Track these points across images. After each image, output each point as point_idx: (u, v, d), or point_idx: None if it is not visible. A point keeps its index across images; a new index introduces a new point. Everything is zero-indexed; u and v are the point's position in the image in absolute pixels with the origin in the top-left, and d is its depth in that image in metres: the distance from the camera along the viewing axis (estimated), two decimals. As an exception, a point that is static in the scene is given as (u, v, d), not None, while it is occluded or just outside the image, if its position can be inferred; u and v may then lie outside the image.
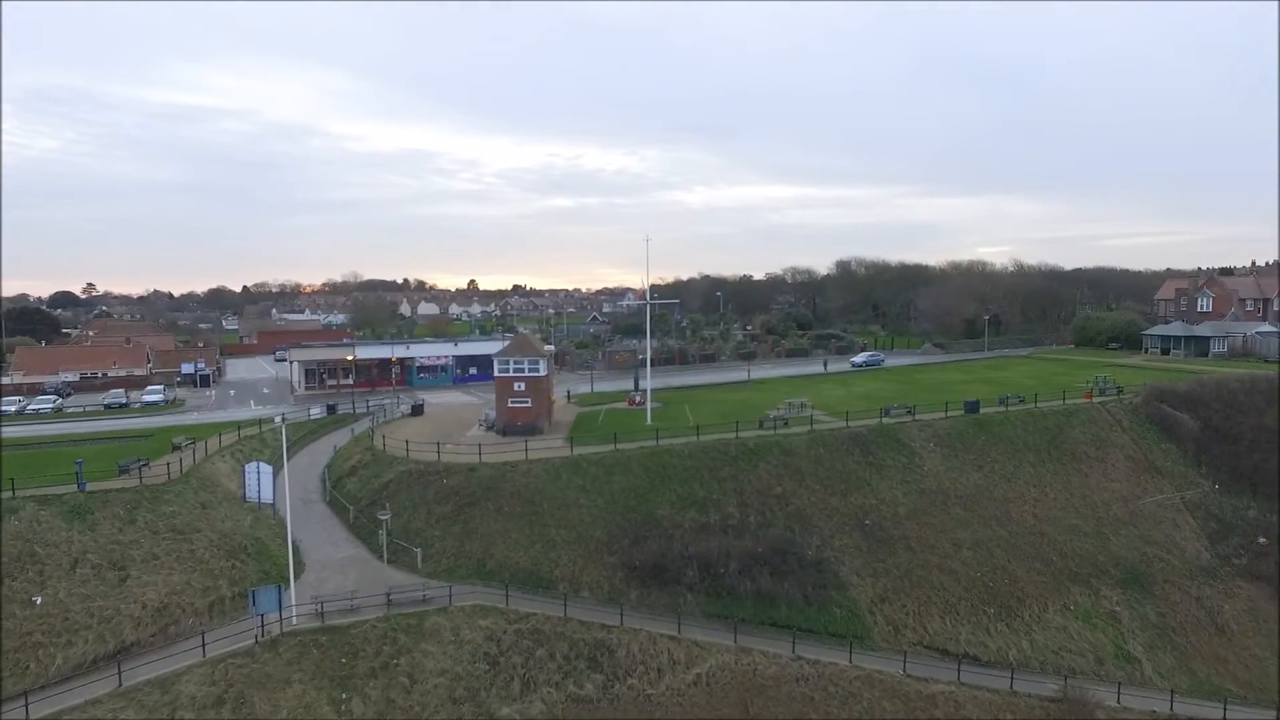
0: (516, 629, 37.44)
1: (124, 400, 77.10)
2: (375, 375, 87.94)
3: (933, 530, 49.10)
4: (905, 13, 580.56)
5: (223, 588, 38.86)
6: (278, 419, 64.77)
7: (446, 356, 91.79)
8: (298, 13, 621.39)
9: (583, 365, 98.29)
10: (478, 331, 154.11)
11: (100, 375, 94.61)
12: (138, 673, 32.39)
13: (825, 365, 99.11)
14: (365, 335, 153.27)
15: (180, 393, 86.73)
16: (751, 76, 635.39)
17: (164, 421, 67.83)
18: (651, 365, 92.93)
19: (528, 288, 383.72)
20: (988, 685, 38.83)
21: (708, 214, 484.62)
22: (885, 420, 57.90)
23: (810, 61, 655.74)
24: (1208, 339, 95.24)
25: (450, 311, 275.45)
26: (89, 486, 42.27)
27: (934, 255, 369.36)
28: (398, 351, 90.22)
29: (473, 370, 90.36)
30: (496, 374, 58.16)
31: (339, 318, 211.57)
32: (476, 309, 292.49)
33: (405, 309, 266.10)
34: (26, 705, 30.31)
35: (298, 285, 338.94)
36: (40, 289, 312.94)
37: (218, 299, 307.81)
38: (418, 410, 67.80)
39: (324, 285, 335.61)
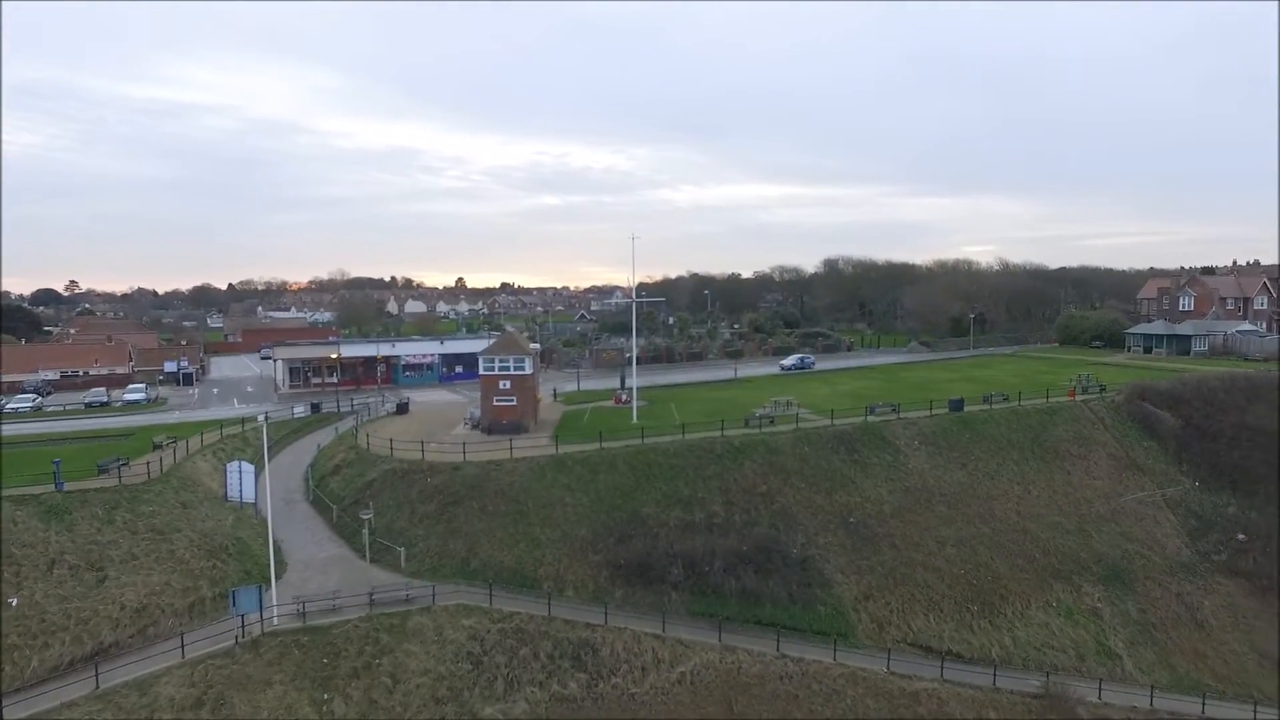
0: (500, 628, 37.29)
1: (105, 399, 76.29)
2: (360, 374, 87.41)
3: (917, 528, 49.30)
4: (892, 14, 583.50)
5: (203, 588, 38.47)
6: (260, 417, 64.50)
7: (432, 355, 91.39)
8: (283, 10, 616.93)
9: (569, 363, 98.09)
10: (464, 330, 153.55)
11: (81, 374, 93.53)
12: (116, 674, 32.03)
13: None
14: (351, 333, 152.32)
15: (163, 391, 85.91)
16: (742, 76, 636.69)
17: (145, 420, 67.14)
18: (638, 363, 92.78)
19: (516, 286, 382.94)
20: (970, 682, 39.05)
21: (697, 213, 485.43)
22: (870, 418, 58.08)
23: (799, 62, 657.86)
24: (1189, 338, 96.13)
25: (438, 309, 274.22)
26: (67, 486, 41.73)
27: (921, 254, 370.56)
28: (383, 350, 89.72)
29: (459, 369, 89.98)
30: (481, 372, 57.92)
31: (325, 315, 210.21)
32: (464, 307, 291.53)
33: (392, 307, 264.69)
34: (0, 708, 29.93)
35: (284, 283, 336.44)
36: (22, 286, 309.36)
37: (203, 297, 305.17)
38: (403, 409, 67.45)
39: (310, 283, 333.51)
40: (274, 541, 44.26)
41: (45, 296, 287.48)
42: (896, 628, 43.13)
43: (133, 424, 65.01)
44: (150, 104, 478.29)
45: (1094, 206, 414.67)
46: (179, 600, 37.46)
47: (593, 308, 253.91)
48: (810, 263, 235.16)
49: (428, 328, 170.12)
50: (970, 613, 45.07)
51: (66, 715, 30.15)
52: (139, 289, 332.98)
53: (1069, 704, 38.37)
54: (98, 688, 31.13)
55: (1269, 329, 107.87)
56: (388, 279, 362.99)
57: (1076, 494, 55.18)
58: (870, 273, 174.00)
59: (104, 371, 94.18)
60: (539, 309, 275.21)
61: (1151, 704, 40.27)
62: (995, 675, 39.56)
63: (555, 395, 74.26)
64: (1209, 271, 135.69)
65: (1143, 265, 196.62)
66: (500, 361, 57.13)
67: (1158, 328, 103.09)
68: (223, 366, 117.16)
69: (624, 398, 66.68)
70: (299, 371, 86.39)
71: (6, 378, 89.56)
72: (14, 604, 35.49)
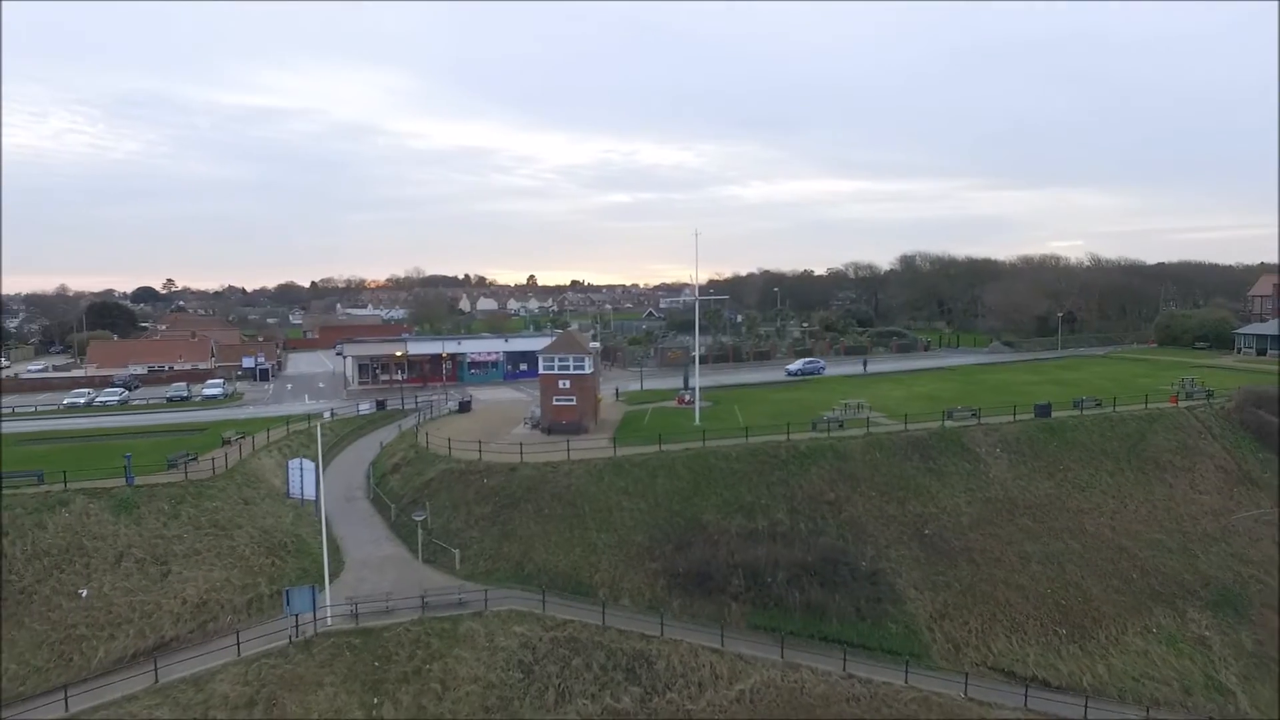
0: (552, 636, 36.14)
1: (185, 394, 79.14)
2: (427, 371, 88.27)
3: (998, 542, 45.92)
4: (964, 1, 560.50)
5: (261, 585, 38.70)
6: (326, 415, 65.75)
7: (497, 352, 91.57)
8: (358, 11, 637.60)
9: (635, 362, 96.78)
10: (532, 327, 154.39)
11: (167, 368, 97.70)
12: (174, 669, 32.28)
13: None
14: (424, 330, 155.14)
15: (240, 386, 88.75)
16: (810, 70, 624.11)
17: (220, 415, 69.13)
18: (703, 363, 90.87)
19: (585, 283, 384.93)
20: (1059, 714, 35.73)
21: (767, 208, 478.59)
22: (948, 423, 54.66)
23: (866, 53, 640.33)
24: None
25: (508, 307, 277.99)
26: (137, 480, 42.74)
27: (1001, 250, 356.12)
28: (449, 347, 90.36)
29: (523, 366, 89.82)
30: (541, 371, 57.09)
31: (399, 313, 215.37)
32: (535, 304, 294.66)
33: (465, 304, 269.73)
34: (66, 699, 30.45)
35: (362, 281, 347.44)
36: (125, 284, 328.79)
37: (286, 294, 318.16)
38: (465, 407, 67.40)
39: (388, 280, 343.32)
40: (333, 539, 44.50)
41: (144, 294, 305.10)
42: (975, 650, 40.05)
43: (208, 419, 66.98)
44: (239, 110, 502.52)
45: (1188, 197, 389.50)
46: (238, 596, 37.74)
47: (661, 305, 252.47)
48: (885, 259, 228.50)
49: (498, 325, 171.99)
50: (1058, 636, 41.53)
51: (126, 709, 30.43)
52: (229, 287, 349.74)
53: (1173, 744, 34.77)
54: (156, 681, 31.39)
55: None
56: (461, 277, 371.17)
57: (1180, 509, 50.52)
58: (949, 269, 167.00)
59: (188, 366, 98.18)
60: (607, 306, 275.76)
61: (1269, 748, 36.18)
62: (1087, 707, 36.16)
63: (618, 395, 73.03)
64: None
65: (1250, 260, 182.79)
66: (560, 360, 56.18)
67: (1273, 328, 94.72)
68: (299, 363, 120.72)
69: (687, 398, 64.89)
70: (367, 368, 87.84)
71: (101, 372, 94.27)
72: (84, 595, 36.38)
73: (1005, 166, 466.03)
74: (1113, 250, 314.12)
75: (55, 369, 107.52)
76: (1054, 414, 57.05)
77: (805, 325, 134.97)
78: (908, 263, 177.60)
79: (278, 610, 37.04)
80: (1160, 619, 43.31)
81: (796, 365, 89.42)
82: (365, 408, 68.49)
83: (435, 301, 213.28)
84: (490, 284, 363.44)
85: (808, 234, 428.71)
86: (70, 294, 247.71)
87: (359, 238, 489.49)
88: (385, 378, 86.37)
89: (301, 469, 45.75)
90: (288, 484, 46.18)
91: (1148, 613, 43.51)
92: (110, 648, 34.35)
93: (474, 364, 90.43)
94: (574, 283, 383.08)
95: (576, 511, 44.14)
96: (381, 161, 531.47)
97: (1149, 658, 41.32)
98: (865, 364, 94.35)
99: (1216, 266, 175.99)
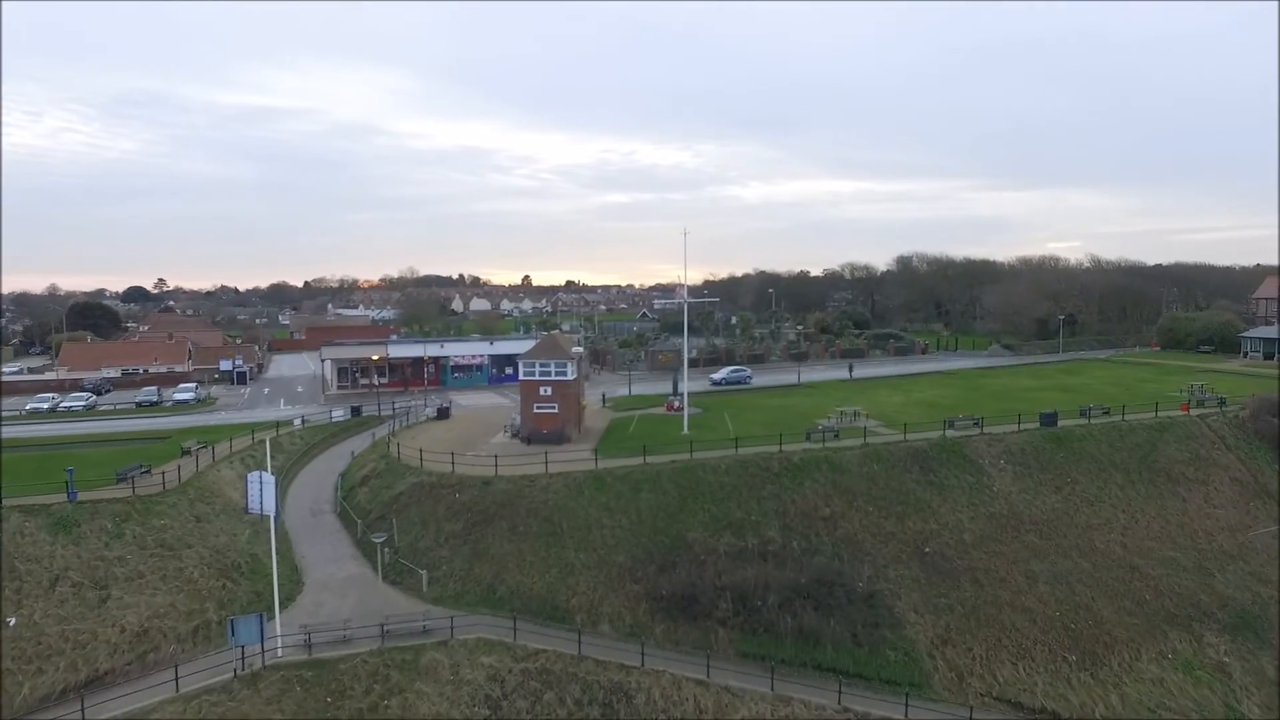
0: (523, 668, 33.29)
1: (155, 398, 76.04)
2: (409, 374, 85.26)
3: (1004, 561, 43.19)
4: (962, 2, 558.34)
5: (209, 611, 35.75)
6: (297, 423, 62.77)
7: (481, 356, 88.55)
8: (355, 13, 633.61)
9: (625, 365, 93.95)
10: (522, 329, 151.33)
11: (142, 371, 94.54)
12: (105, 707, 29.36)
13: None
14: (413, 331, 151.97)
15: (215, 390, 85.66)
16: (810, 70, 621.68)
17: (189, 422, 66.10)
18: (695, 366, 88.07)
19: (580, 283, 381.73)
20: (1071, 752, 33.07)
21: (765, 208, 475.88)
22: (949, 433, 51.95)
23: (868, 53, 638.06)
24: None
25: (501, 307, 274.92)
26: (82, 495, 39.75)
27: (1000, 251, 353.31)
28: (430, 350, 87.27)
29: (509, 370, 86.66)
30: (521, 377, 54.23)
31: (388, 313, 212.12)
32: (528, 305, 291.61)
33: (458, 305, 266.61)
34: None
35: (355, 281, 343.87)
36: (116, 284, 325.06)
37: (279, 294, 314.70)
38: (443, 413, 64.48)
39: (381, 280, 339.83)
40: (292, 559, 41.54)
41: (135, 294, 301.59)
42: (980, 678, 37.28)
43: (176, 425, 63.96)
44: (239, 109, 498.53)
45: (1187, 198, 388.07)
46: (182, 624, 34.79)
47: (655, 306, 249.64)
48: (882, 260, 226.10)
49: (489, 326, 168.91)
50: (1068, 663, 38.80)
51: (48, 753, 27.59)
52: (222, 286, 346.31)
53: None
54: (84, 722, 28.46)
55: None
56: (455, 277, 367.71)
57: (1194, 525, 47.87)
58: (947, 270, 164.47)
59: (163, 369, 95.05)
60: (601, 307, 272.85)
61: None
62: (1101, 744, 33.45)
63: (604, 401, 70.19)
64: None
65: (1248, 261, 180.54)
66: (541, 366, 53.32)
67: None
68: (282, 365, 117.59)
69: (676, 405, 62.08)
70: (347, 372, 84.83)
71: (73, 375, 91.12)
72: (12, 624, 33.39)
73: (1004, 167, 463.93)
74: (1112, 251, 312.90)
75: (30, 371, 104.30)
76: (1060, 423, 54.35)
77: (800, 327, 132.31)
78: (904, 263, 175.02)
79: (226, 639, 34.14)
80: (1176, 644, 40.61)
81: (721, 374, 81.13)
82: (339, 414, 65.49)
83: (426, 301, 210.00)
84: (485, 284, 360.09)
85: (806, 234, 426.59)
86: (60, 293, 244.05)
87: (358, 238, 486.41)
88: (365, 382, 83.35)
89: (261, 482, 42.82)
90: (246, 498, 43.35)
91: (1163, 637, 40.80)
92: (37, 683, 31.37)
93: (457, 367, 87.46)
94: (569, 283, 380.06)
95: (554, 529, 41.29)
96: (381, 161, 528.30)
97: (1165, 686, 38.60)
98: (851, 369, 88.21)
99: (1216, 268, 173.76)
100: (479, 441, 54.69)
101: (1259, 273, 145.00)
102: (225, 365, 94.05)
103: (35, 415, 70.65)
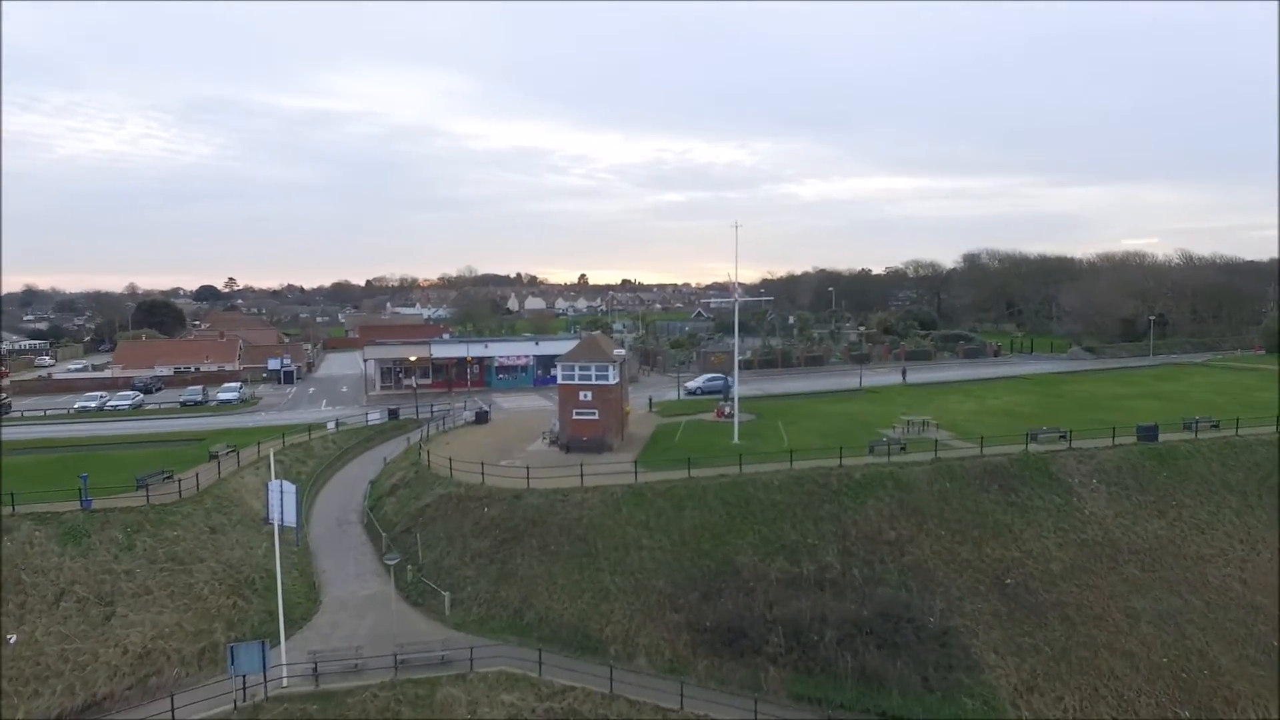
0: (548, 708, 29.85)
1: (199, 398, 75.50)
2: (453, 375, 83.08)
3: (1099, 595, 37.82)
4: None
5: (217, 631, 33.35)
6: (330, 426, 60.78)
7: (527, 356, 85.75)
8: (416, 12, 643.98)
9: (676, 367, 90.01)
10: (573, 328, 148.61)
11: (193, 369, 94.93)
12: (97, 738, 27.10)
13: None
14: (465, 330, 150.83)
15: (261, 389, 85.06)
16: (867, 66, 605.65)
17: (229, 423, 64.92)
18: (749, 369, 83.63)
19: (636, 282, 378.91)
20: (1189, 835, 27.90)
21: (823, 206, 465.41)
22: (1031, 447, 46.52)
23: (930, 49, 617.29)
24: None
25: (556, 306, 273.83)
26: (96, 503, 37.94)
27: (1074, 248, 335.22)
28: (474, 350, 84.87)
29: (554, 372, 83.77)
30: (560, 381, 50.97)
31: (441, 312, 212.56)
32: (583, 304, 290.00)
33: (513, 304, 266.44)
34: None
35: (414, 280, 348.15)
36: (190, 283, 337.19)
37: (340, 293, 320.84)
38: (481, 417, 61.64)
39: (440, 279, 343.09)
40: (311, 574, 39.09)
41: (206, 292, 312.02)
42: (1073, 735, 32.26)
43: (214, 426, 62.81)
44: (303, 113, 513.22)
45: (1269, 192, 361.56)
46: (188, 646, 32.44)
47: (710, 305, 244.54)
48: (949, 258, 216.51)
49: (543, 325, 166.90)
50: (1180, 719, 33.39)
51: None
52: (288, 285, 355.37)
53: None
54: (72, 755, 26.18)
55: None
56: (513, 276, 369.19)
57: (1326, 558, 41.45)
58: (1020, 268, 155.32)
59: (213, 368, 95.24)
60: (656, 305, 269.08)
61: None
62: (1225, 825, 28.17)
63: (651, 405, 66.41)
64: None
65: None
66: (580, 369, 49.91)
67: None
68: (332, 364, 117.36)
69: (727, 410, 57.92)
70: (390, 372, 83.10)
71: (127, 373, 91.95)
72: (13, 641, 31.53)
73: (1071, 162, 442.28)
74: (1200, 247, 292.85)
75: (93, 369, 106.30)
76: (1161, 437, 48.25)
77: (862, 328, 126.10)
78: (973, 261, 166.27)
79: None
80: (1310, 701, 34.67)
81: (697, 382, 73.50)
82: (375, 417, 63.32)
83: (480, 300, 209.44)
84: (541, 283, 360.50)
85: (865, 232, 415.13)
86: (138, 292, 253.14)
87: (418, 238, 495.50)
88: (409, 382, 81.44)
89: (282, 491, 40.48)
90: (267, 508, 41.06)
91: (1293, 692, 34.91)
92: (32, 707, 29.37)
93: (502, 368, 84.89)
94: (624, 282, 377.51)
95: (588, 549, 37.74)
96: (440, 162, 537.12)
97: (1298, 753, 32.87)
98: (905, 373, 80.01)
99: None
100: (515, 449, 51.58)
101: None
102: (273, 364, 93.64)
103: (83, 414, 70.72)
